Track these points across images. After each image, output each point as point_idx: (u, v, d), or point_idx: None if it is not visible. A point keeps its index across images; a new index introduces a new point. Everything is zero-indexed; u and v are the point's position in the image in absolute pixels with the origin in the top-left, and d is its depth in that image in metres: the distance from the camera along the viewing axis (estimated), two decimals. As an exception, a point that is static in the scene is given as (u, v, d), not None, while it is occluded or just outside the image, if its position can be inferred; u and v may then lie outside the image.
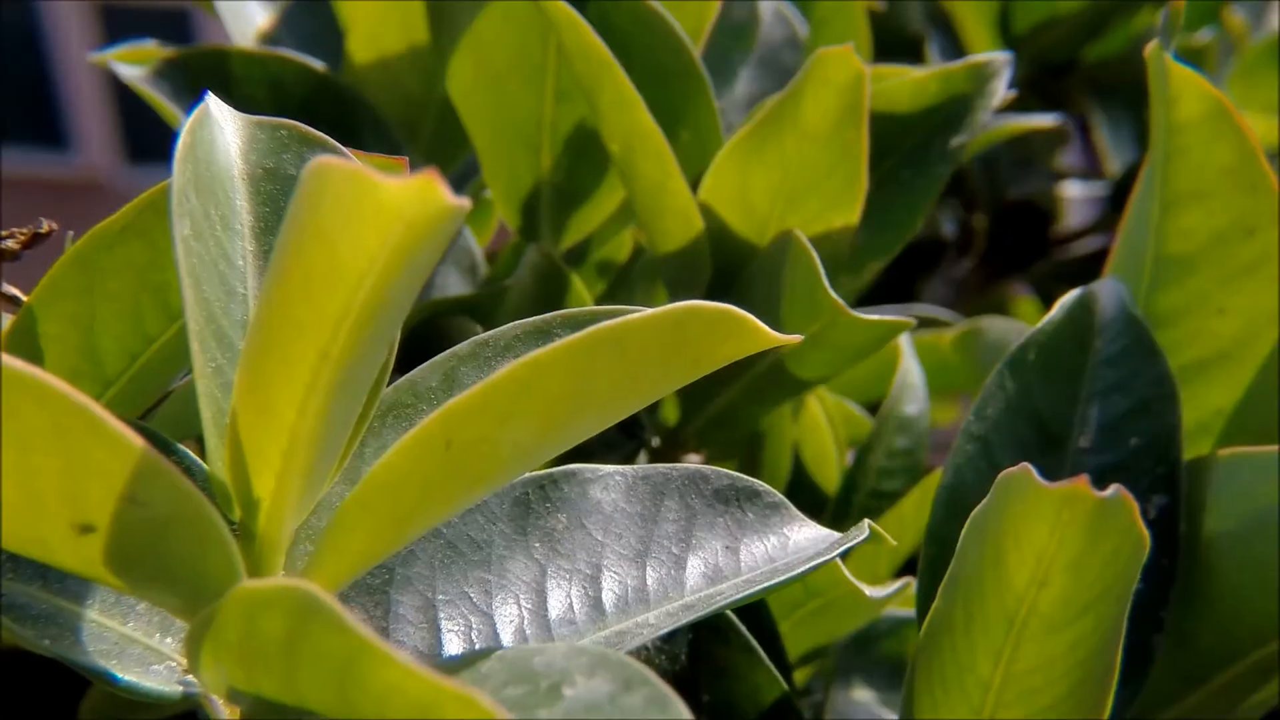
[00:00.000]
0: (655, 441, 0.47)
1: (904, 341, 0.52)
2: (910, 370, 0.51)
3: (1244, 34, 0.86)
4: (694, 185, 0.43)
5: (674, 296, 0.44)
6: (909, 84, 0.44)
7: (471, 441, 0.24)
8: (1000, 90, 0.45)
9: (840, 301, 0.37)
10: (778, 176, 0.42)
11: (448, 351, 0.29)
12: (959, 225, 0.89)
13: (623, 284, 0.51)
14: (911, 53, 0.86)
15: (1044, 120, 0.64)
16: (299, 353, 0.23)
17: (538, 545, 0.30)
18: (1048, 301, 0.88)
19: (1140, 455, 0.35)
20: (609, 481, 0.31)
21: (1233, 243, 0.37)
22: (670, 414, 0.47)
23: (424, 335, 0.41)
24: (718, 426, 0.46)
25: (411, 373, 0.29)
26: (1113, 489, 0.24)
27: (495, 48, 0.45)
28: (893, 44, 0.88)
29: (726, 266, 0.44)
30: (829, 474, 0.49)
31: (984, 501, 0.28)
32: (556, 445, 0.26)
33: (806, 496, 0.49)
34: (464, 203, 0.21)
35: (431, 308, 0.41)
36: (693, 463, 0.48)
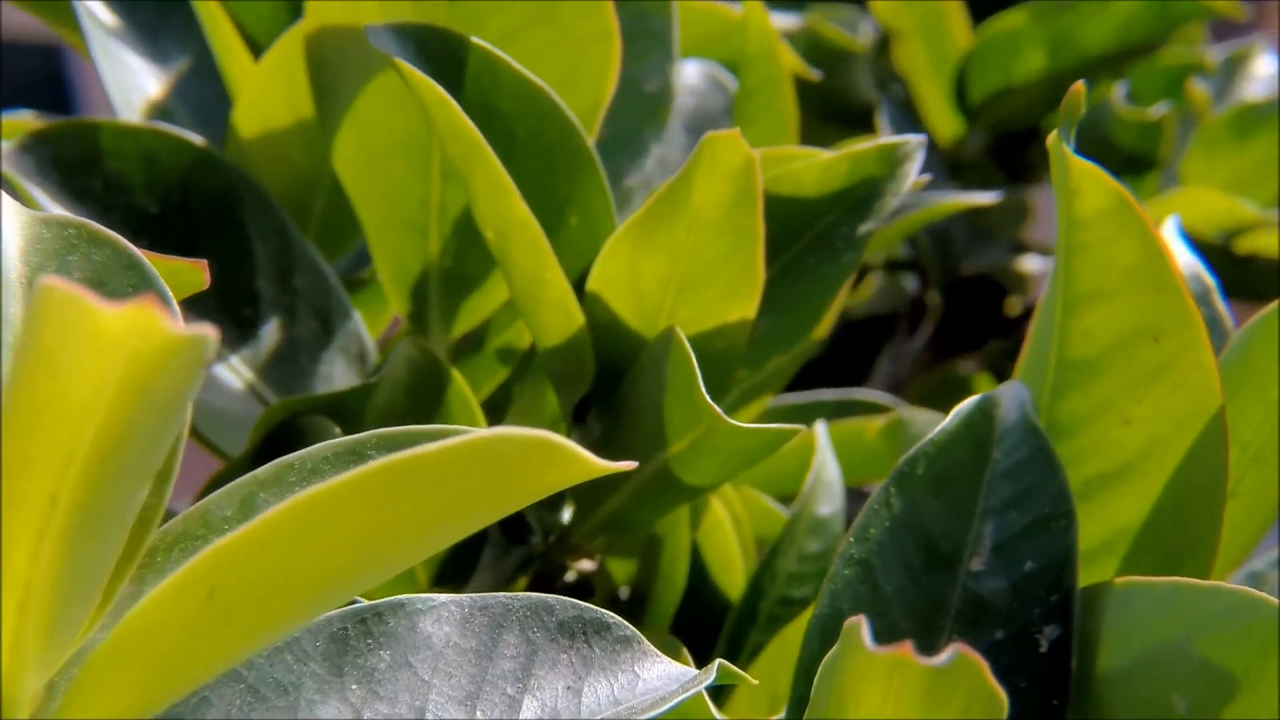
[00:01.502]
0: (545, 545, 0.45)
1: (820, 433, 0.50)
2: (825, 466, 0.49)
3: (1205, 107, 0.84)
4: (585, 272, 0.41)
5: (559, 392, 0.42)
6: (816, 166, 0.42)
7: (239, 587, 0.22)
8: (913, 173, 0.43)
9: (716, 409, 0.35)
10: (668, 265, 0.40)
11: (248, 475, 0.26)
12: (911, 300, 0.87)
13: (523, 373, 0.48)
14: (862, 122, 0.84)
15: (983, 197, 0.62)
16: (28, 494, 0.20)
17: (354, 688, 0.27)
18: (1002, 379, 0.86)
19: (1034, 580, 0.33)
20: (442, 613, 0.29)
21: (1138, 347, 0.34)
22: (560, 517, 0.44)
23: (280, 439, 0.38)
24: (609, 531, 0.43)
25: (206, 499, 0.26)
26: (950, 651, 0.22)
27: (379, 124, 0.43)
28: (842, 113, 0.87)
29: (616, 359, 0.41)
30: (733, 579, 0.47)
31: (833, 649, 0.25)
32: (347, 589, 0.24)
33: (708, 603, 0.47)
34: (197, 332, 0.19)
35: (288, 408, 0.39)
36: (586, 568, 0.46)
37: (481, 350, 0.48)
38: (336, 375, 0.45)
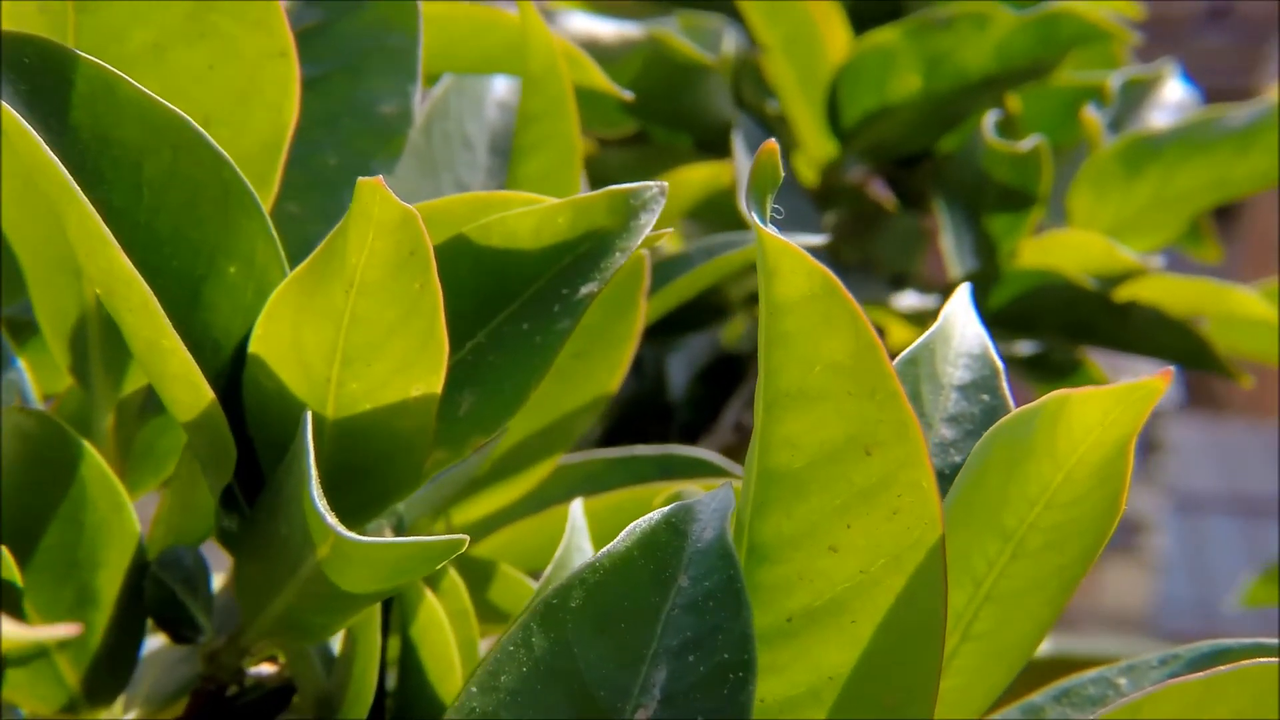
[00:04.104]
0: (216, 645, 0.39)
1: (574, 513, 0.44)
2: (572, 551, 0.43)
3: (1097, 137, 0.79)
4: (249, 331, 0.36)
5: (205, 473, 0.36)
6: (532, 215, 0.37)
7: None
8: (649, 226, 0.37)
9: (329, 523, 0.29)
10: (330, 332, 0.34)
11: None
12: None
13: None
14: (719, 148, 0.79)
15: (809, 239, 0.57)
16: None
17: None
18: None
19: (702, 745, 0.28)
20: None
21: (847, 461, 0.29)
22: (233, 616, 0.39)
23: None
24: (282, 633, 0.38)
25: None
26: None
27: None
28: (700, 138, 0.81)
29: (281, 436, 0.36)
30: (451, 685, 0.41)
31: None
32: None
33: (424, 712, 0.41)
34: None
35: None
36: (264, 673, 0.40)
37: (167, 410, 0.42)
38: (-16, 437, 0.40)
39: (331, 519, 0.29)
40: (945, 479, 0.35)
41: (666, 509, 0.31)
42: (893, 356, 0.84)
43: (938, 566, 0.29)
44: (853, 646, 0.30)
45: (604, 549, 0.30)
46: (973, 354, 0.38)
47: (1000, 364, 0.38)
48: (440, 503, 0.49)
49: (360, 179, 0.32)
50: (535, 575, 0.52)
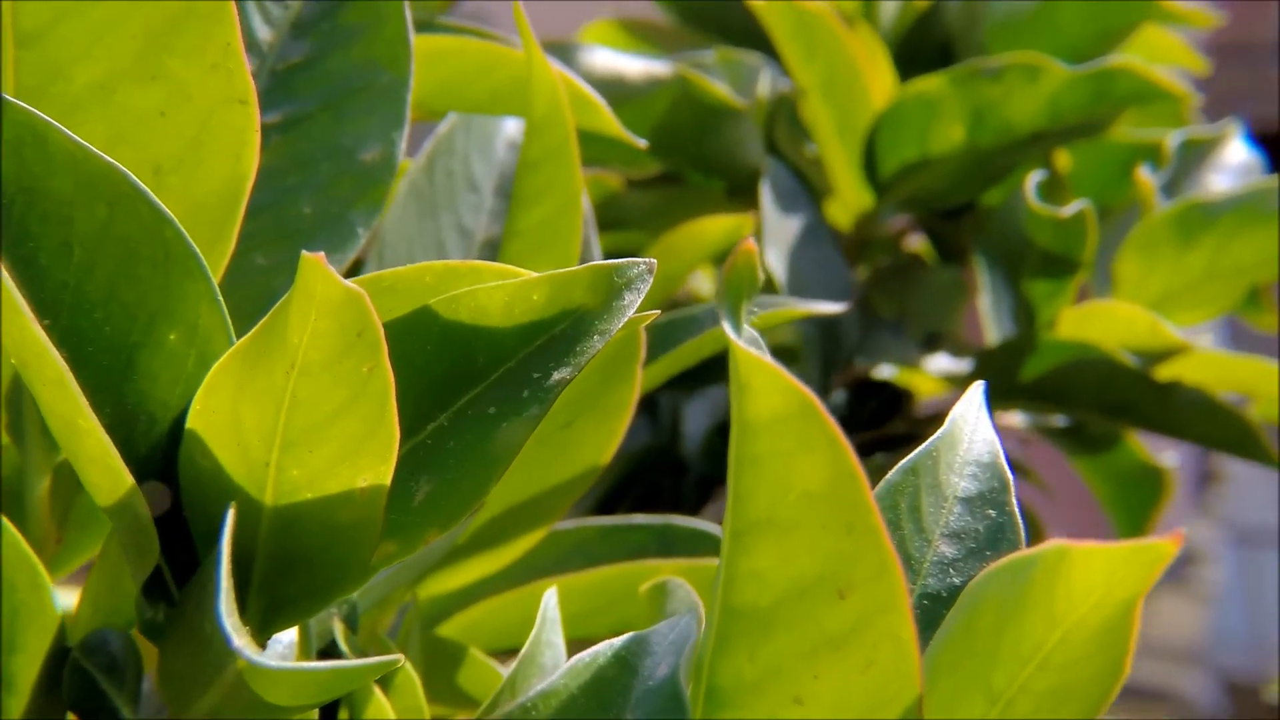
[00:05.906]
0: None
1: (548, 601, 0.42)
2: (544, 646, 0.41)
3: (1150, 199, 0.76)
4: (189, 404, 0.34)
5: (127, 559, 0.34)
6: (504, 290, 0.34)
7: None
8: (633, 306, 0.35)
9: (239, 651, 0.27)
10: (271, 414, 0.32)
11: None
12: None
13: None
14: (751, 193, 0.76)
15: (826, 307, 0.54)
16: None
17: None
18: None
19: None
20: None
21: (818, 602, 0.26)
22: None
23: None
24: (210, 731, 0.35)
25: None
26: None
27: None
28: (733, 186, 0.79)
29: (216, 522, 0.33)
30: (400, 789, 0.39)
31: None
32: None
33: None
34: None
35: None
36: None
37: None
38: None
39: (238, 641, 0.27)
40: (941, 601, 0.33)
41: (619, 641, 0.28)
42: (922, 415, 0.81)
43: (913, 730, 0.26)
44: (816, 813, 0.27)
45: (549, 681, 0.27)
46: (981, 463, 0.35)
47: (1011, 477, 0.35)
48: (414, 576, 0.47)
49: (304, 253, 0.29)
50: (512, 654, 0.49)
